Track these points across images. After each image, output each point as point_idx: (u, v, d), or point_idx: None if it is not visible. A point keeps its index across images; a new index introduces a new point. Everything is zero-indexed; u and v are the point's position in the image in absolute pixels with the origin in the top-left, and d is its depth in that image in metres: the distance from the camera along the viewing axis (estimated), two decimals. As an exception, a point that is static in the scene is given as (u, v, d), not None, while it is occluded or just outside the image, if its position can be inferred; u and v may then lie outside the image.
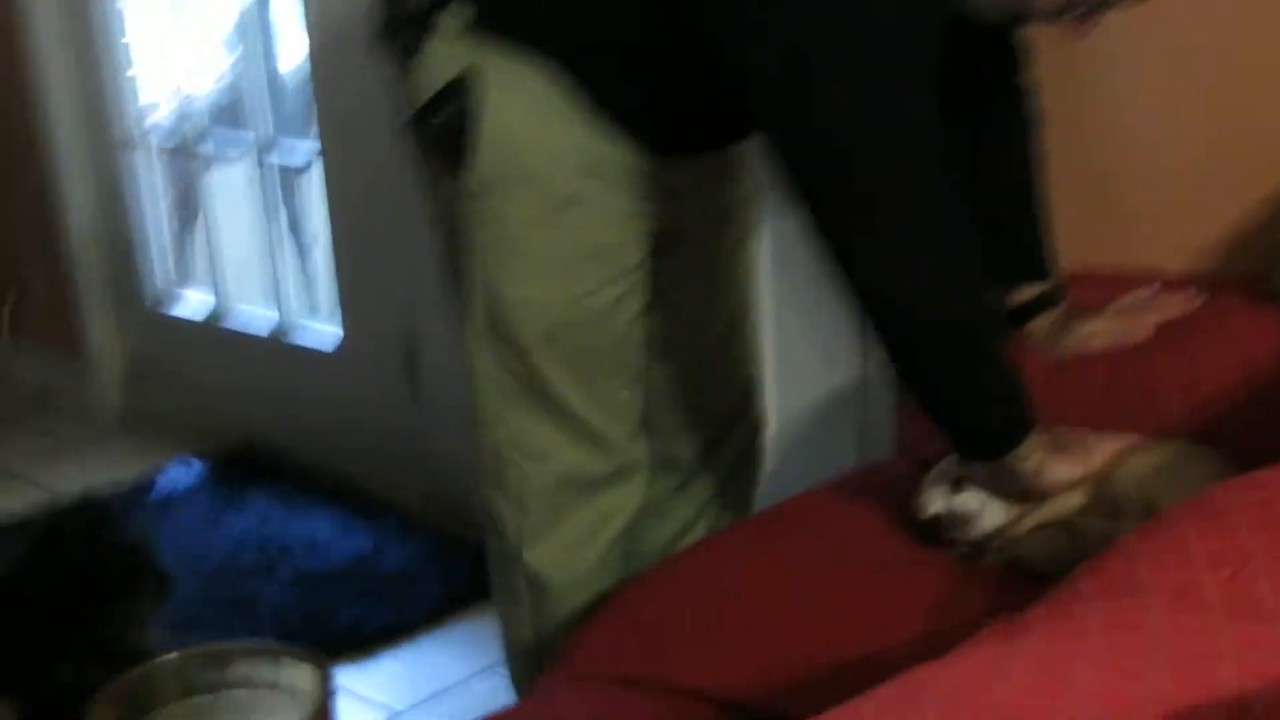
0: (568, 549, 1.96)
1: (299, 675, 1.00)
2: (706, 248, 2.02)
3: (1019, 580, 1.72)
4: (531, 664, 2.04)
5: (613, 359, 1.88)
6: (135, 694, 1.00)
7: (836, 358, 2.57)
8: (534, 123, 1.74)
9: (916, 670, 0.92)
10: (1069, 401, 1.97)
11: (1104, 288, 2.13)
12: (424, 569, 3.00)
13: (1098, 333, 1.92)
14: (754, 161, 2.01)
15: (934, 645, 1.61)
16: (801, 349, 2.59)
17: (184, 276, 3.97)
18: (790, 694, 1.61)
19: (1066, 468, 1.64)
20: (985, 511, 1.70)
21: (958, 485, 1.71)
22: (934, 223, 1.56)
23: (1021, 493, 1.66)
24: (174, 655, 1.00)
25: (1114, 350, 1.98)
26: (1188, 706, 0.82)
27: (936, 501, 1.72)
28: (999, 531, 1.70)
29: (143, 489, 3.45)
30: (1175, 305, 1.95)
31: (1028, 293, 1.91)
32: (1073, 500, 1.68)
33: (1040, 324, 1.89)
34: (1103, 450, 1.67)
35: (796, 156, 1.55)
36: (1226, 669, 0.86)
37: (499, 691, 2.44)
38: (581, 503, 1.95)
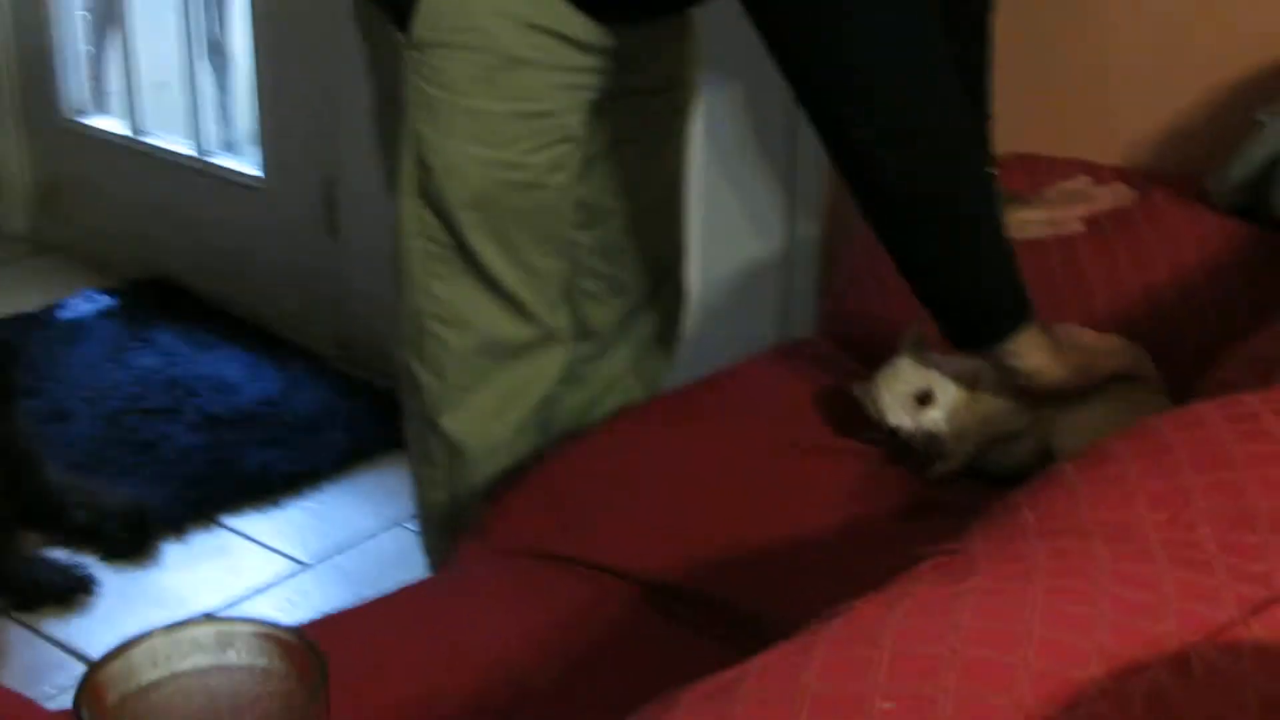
0: (485, 416, 1.95)
1: (293, 659, 0.97)
2: (644, 115, 1.98)
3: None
4: (446, 528, 2.05)
5: (540, 227, 1.85)
6: (131, 672, 0.98)
7: (763, 231, 2.56)
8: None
9: (863, 606, 0.92)
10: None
11: (1035, 174, 2.14)
12: (333, 416, 2.99)
13: (1029, 221, 1.91)
14: (697, 28, 1.98)
15: (855, 531, 1.65)
16: (729, 221, 2.57)
17: (100, 97, 3.82)
18: (712, 575, 1.63)
19: (1065, 374, 1.62)
20: (950, 430, 1.70)
21: (925, 400, 1.69)
22: (931, 105, 1.54)
23: (1016, 390, 1.65)
24: (166, 632, 0.97)
25: (1044, 240, 1.98)
26: (1130, 661, 0.83)
27: (901, 417, 1.70)
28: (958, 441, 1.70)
29: (44, 318, 3.37)
30: (1104, 199, 1.96)
31: None
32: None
33: None
34: (1104, 363, 1.67)
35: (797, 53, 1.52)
36: (1168, 622, 0.87)
37: (407, 548, 2.46)
38: (501, 370, 1.94)
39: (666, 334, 2.20)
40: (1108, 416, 1.64)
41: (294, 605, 2.50)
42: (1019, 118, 2.24)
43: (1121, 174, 2.14)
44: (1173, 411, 1.13)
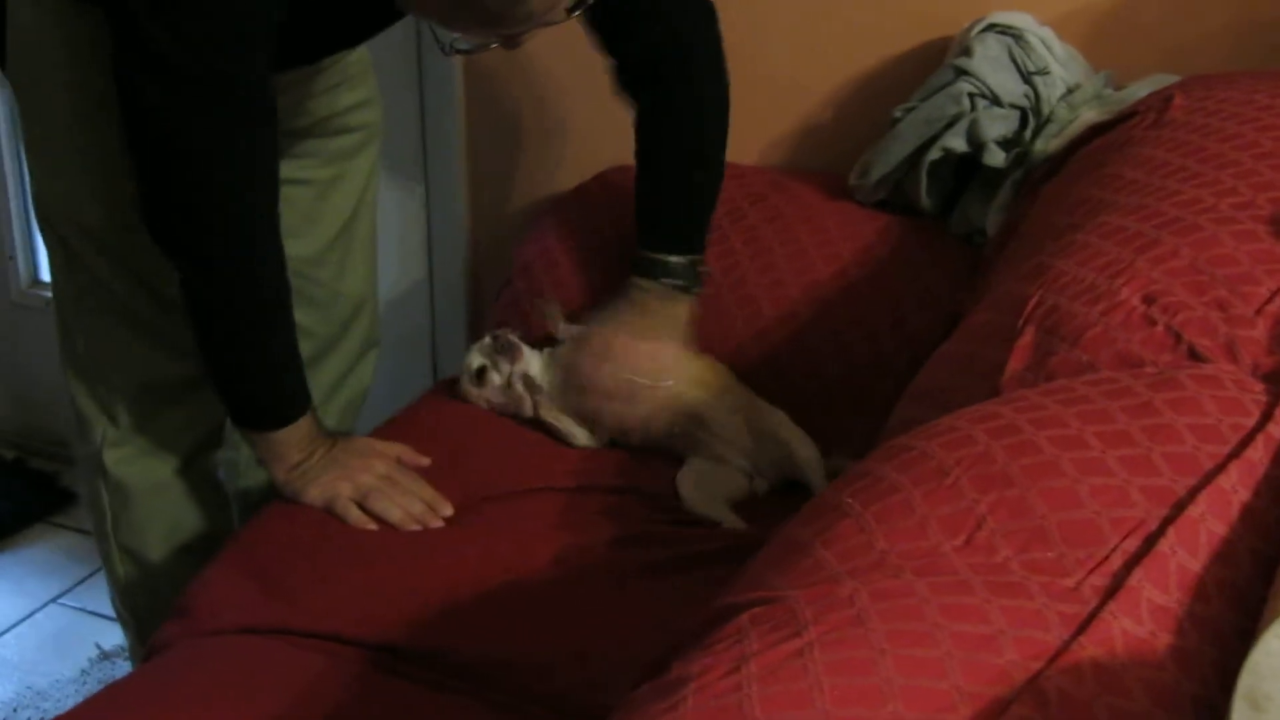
0: (146, 454, 1.92)
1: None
2: (314, 156, 1.92)
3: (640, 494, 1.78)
4: (138, 594, 2.00)
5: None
6: None
7: (407, 263, 2.54)
8: (65, 18, 1.63)
9: (707, 679, 0.92)
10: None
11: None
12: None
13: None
14: (368, 71, 1.93)
15: (568, 565, 1.64)
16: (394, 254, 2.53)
17: None
18: (433, 629, 1.60)
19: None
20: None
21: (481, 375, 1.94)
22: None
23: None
24: None
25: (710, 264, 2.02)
26: (992, 700, 0.86)
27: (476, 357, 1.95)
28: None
29: None
30: None
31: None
32: None
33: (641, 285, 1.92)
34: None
35: None
36: (1009, 652, 0.90)
37: (67, 626, 2.40)
38: (165, 407, 1.90)
39: (355, 373, 2.13)
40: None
41: (-44, 704, 2.31)
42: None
43: (762, 174, 2.21)
44: (933, 431, 1.16)
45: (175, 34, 1.48)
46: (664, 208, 1.92)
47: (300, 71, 1.76)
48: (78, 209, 1.74)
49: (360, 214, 2.02)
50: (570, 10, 1.50)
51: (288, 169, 1.80)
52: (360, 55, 1.91)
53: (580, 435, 1.88)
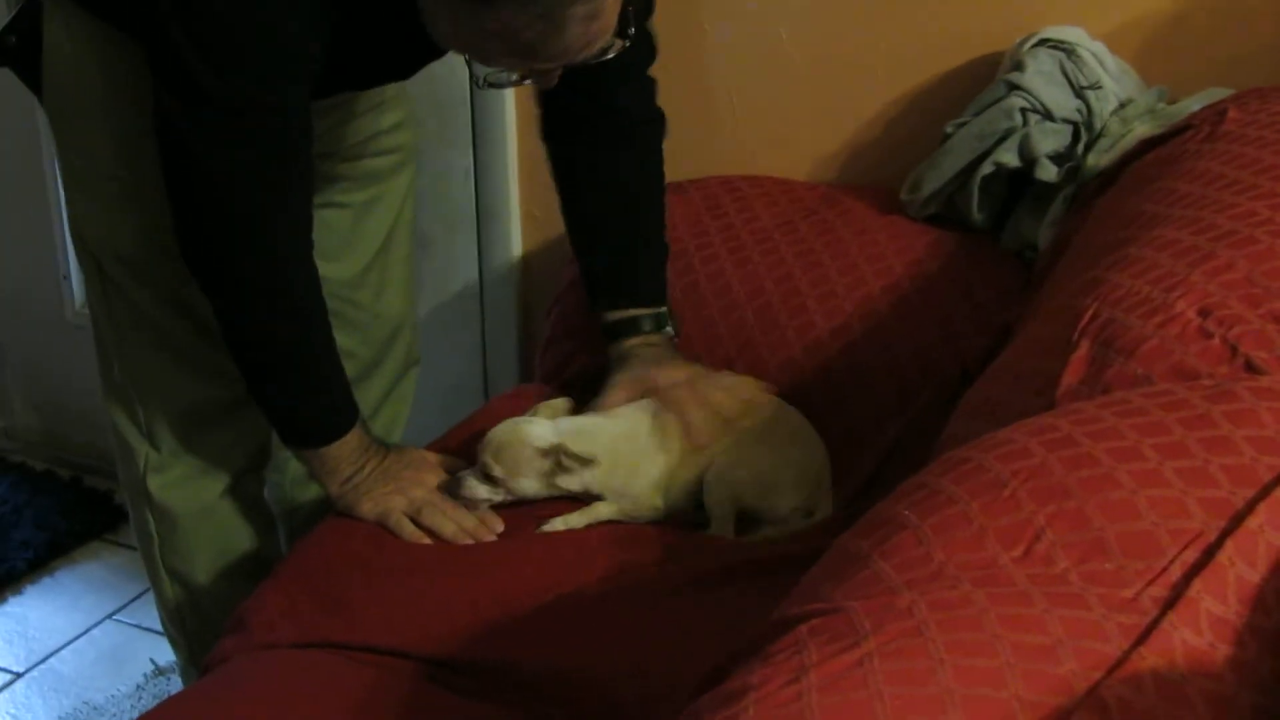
0: (190, 479, 1.92)
1: None
2: (349, 179, 1.93)
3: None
4: (187, 615, 2.00)
5: None
6: None
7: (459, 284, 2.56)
8: (104, 51, 1.66)
9: (767, 689, 0.92)
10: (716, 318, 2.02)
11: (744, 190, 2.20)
12: (19, 514, 2.79)
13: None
14: (407, 92, 1.95)
15: (618, 581, 1.65)
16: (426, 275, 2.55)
17: None
18: (487, 642, 1.60)
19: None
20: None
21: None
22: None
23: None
24: None
25: (756, 267, 2.03)
26: (1053, 710, 0.86)
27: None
28: None
29: None
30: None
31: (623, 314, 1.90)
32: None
33: (629, 347, 1.89)
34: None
35: None
36: (1069, 663, 0.90)
37: (122, 642, 2.42)
38: (208, 433, 1.91)
39: (398, 392, 2.15)
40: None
41: (16, 719, 2.33)
42: (708, 141, 2.29)
43: (814, 189, 2.22)
44: (989, 444, 1.16)
45: (216, 67, 1.50)
46: (640, 262, 1.92)
47: (340, 96, 1.77)
48: (114, 236, 1.76)
49: (397, 235, 2.04)
50: (604, 51, 1.50)
51: (325, 193, 1.83)
52: None
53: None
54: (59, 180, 1.77)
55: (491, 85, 1.56)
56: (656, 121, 1.90)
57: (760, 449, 1.79)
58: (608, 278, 1.89)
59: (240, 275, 1.64)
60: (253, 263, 1.63)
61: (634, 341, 1.86)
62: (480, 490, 1.74)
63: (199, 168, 1.57)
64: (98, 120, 1.70)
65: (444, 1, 1.42)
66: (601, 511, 1.76)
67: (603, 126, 1.85)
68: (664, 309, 1.89)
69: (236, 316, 1.67)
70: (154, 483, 1.91)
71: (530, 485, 1.74)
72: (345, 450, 1.75)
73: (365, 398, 2.07)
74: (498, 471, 1.73)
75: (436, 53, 1.63)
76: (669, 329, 1.89)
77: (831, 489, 1.82)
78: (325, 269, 1.72)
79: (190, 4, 1.47)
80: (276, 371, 1.72)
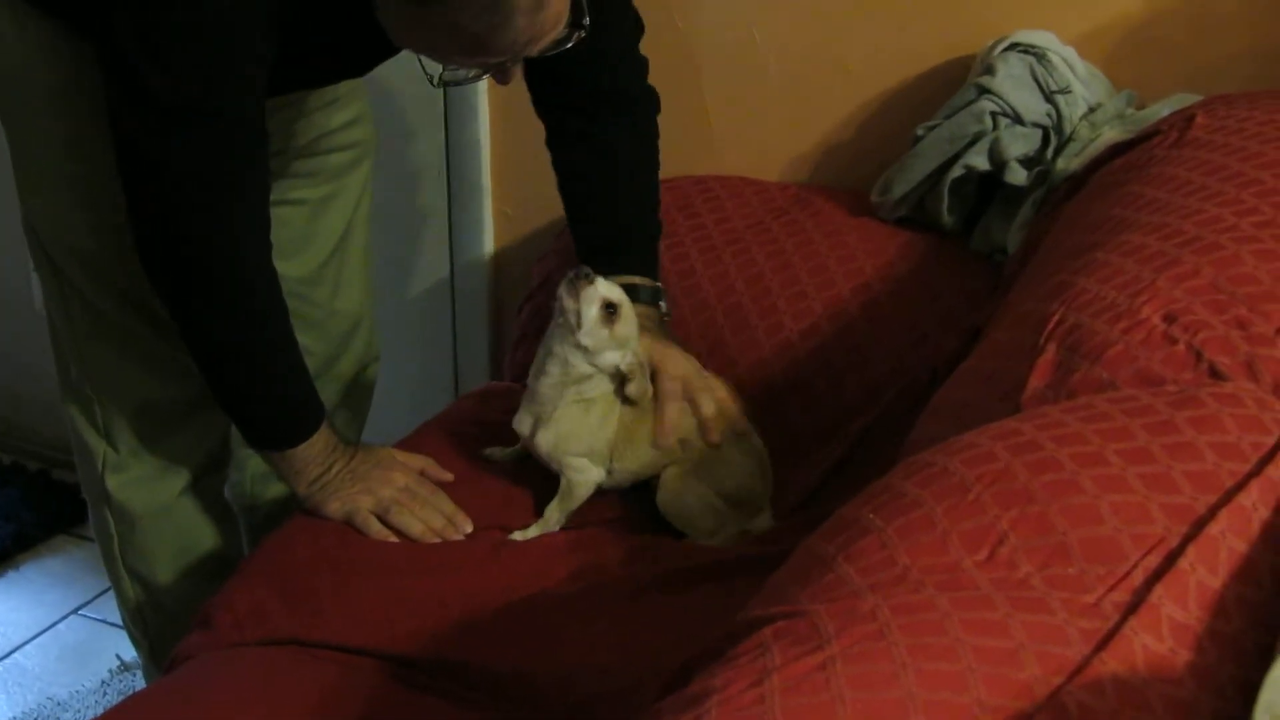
0: (149, 479, 1.91)
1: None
2: (303, 175, 1.92)
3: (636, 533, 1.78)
4: (149, 614, 1.99)
5: None
6: None
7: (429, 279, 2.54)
8: (53, 47, 1.65)
9: (729, 691, 0.92)
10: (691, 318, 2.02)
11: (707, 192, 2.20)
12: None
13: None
14: (362, 89, 1.94)
15: (585, 580, 1.65)
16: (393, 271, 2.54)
17: None
18: (454, 642, 1.60)
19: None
20: None
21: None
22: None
23: None
24: None
25: (728, 270, 2.03)
26: (1014, 713, 0.87)
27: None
28: None
29: None
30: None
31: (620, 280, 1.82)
32: None
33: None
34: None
35: None
36: (1030, 667, 0.91)
37: (88, 637, 2.41)
38: (165, 430, 1.89)
39: (357, 388, 2.14)
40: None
41: (-20, 712, 2.33)
42: (680, 141, 2.29)
43: (786, 190, 2.22)
44: (954, 448, 1.17)
45: (163, 69, 1.48)
46: (634, 233, 1.90)
47: (293, 94, 1.77)
48: (67, 232, 1.75)
49: (354, 231, 2.02)
50: (560, 43, 1.49)
51: (280, 189, 1.80)
52: None
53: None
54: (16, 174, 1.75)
55: (448, 83, 1.55)
56: (649, 98, 1.89)
57: (705, 483, 1.77)
58: (603, 244, 1.86)
59: (194, 280, 1.63)
60: (207, 267, 1.61)
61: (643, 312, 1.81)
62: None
63: (149, 167, 1.55)
64: (47, 120, 1.69)
65: (395, 1, 1.41)
66: (551, 517, 1.75)
67: (595, 103, 1.84)
68: (659, 285, 1.86)
69: (194, 321, 1.65)
70: (113, 482, 1.90)
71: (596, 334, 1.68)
72: (312, 451, 1.74)
73: (324, 394, 2.06)
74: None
75: (391, 50, 1.62)
76: (664, 306, 1.86)
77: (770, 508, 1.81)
78: (282, 267, 1.70)
79: (138, 4, 1.46)
80: (239, 376, 1.70)
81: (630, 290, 1.74)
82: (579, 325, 1.66)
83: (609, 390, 1.73)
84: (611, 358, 1.69)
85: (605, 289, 1.67)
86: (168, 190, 1.56)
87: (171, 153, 1.53)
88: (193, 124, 1.52)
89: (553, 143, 1.89)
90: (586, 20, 1.51)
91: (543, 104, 1.87)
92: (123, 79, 1.51)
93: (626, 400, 1.73)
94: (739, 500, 1.76)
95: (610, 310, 1.66)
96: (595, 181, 1.89)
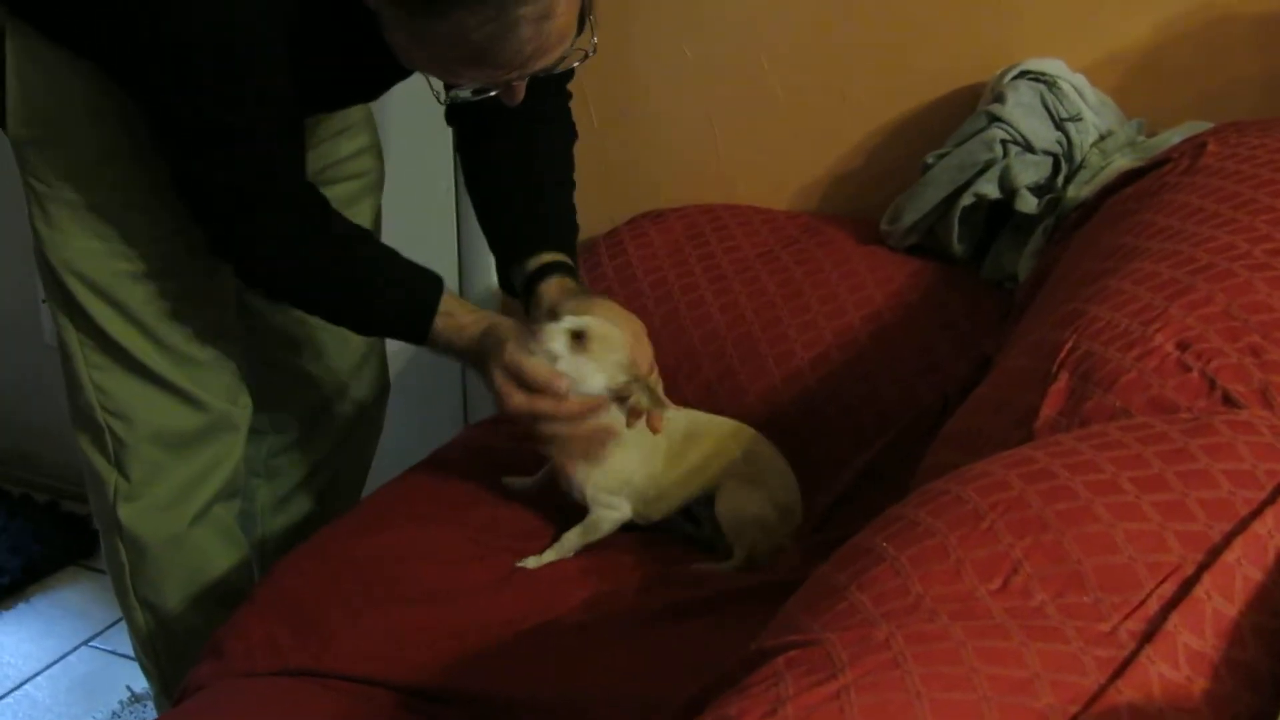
0: (160, 508, 1.90)
1: None
2: None
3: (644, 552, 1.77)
4: (160, 644, 1.99)
5: (181, 317, 1.81)
6: None
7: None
8: (60, 75, 1.65)
9: (752, 714, 0.92)
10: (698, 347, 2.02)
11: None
12: (-11, 539, 2.76)
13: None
14: (370, 118, 1.94)
15: (597, 609, 1.64)
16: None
17: None
18: (465, 672, 1.60)
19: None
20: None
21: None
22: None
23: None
24: None
25: (738, 299, 2.03)
26: (1029, 745, 0.86)
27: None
28: None
29: None
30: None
31: (541, 259, 1.82)
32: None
33: (550, 287, 1.80)
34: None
35: None
36: (1045, 696, 0.90)
37: (99, 669, 2.39)
38: (177, 460, 1.88)
39: (367, 418, 2.14)
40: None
41: (-11, 745, 2.32)
42: (689, 170, 2.30)
43: (795, 219, 2.22)
44: (967, 476, 1.16)
45: (180, 89, 1.52)
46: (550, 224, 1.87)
47: (306, 120, 1.77)
48: (77, 259, 1.75)
49: None
50: (563, 60, 1.48)
51: None
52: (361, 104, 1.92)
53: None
54: (28, 199, 1.75)
55: (454, 101, 1.56)
56: (564, 123, 1.88)
57: (763, 492, 1.77)
58: (524, 231, 1.84)
59: (274, 268, 1.70)
60: (273, 258, 1.69)
61: (565, 280, 1.78)
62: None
63: (195, 184, 1.61)
64: (63, 147, 1.69)
65: (399, 15, 1.41)
66: (568, 543, 1.75)
67: (507, 124, 1.80)
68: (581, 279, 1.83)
69: (299, 291, 1.75)
70: (124, 511, 1.89)
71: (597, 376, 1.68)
72: (451, 318, 1.73)
73: (334, 424, 2.07)
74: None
75: (402, 73, 1.63)
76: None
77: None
78: None
79: (152, 26, 1.47)
80: (358, 307, 1.76)
81: (551, 266, 1.75)
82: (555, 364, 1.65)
83: (642, 427, 1.71)
84: (598, 381, 1.68)
85: (566, 322, 1.66)
86: (210, 199, 1.64)
87: (205, 168, 1.59)
88: (216, 144, 1.57)
89: (463, 161, 1.89)
90: (595, 40, 1.51)
91: (462, 138, 1.89)
92: (145, 104, 1.56)
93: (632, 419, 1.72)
94: (787, 509, 1.78)
95: (579, 337, 1.66)
96: (510, 172, 1.86)
